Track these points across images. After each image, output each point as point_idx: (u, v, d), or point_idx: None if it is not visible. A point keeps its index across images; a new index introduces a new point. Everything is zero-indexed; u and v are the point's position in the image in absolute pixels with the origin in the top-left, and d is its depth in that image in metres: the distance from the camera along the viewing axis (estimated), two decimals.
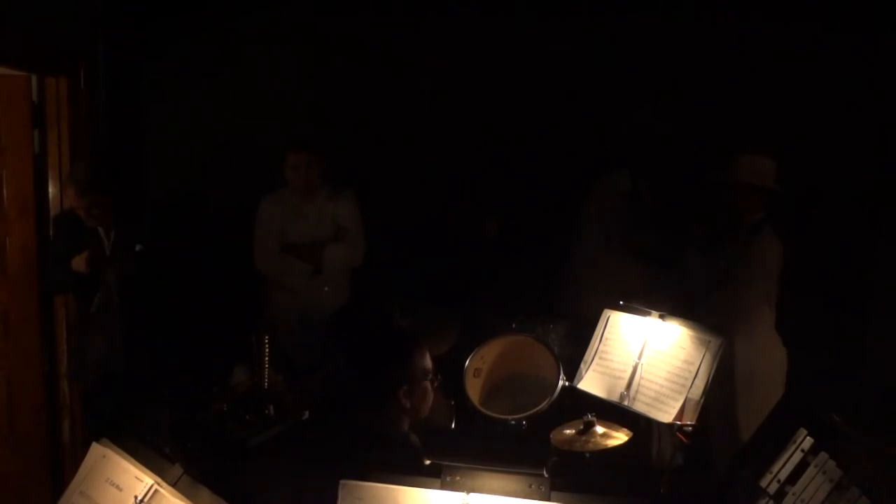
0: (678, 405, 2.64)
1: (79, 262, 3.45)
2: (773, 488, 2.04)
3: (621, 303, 2.93)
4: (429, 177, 4.15)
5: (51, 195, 3.82)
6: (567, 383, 2.92)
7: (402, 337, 2.52)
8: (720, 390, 3.15)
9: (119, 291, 3.51)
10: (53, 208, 3.82)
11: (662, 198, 3.81)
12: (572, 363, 2.96)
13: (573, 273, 3.89)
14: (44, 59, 3.71)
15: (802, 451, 2.03)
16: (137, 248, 3.51)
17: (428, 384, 2.33)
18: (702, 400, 2.61)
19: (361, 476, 1.79)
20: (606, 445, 2.60)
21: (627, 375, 2.79)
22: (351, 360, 2.78)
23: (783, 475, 2.03)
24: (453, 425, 3.00)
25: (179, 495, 1.86)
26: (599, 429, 2.65)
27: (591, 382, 2.88)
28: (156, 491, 1.86)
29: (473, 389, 3.05)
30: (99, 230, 3.54)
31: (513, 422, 2.91)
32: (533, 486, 1.76)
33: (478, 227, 4.23)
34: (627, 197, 3.78)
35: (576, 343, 3.15)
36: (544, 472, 1.75)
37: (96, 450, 1.96)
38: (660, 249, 3.73)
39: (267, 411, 2.73)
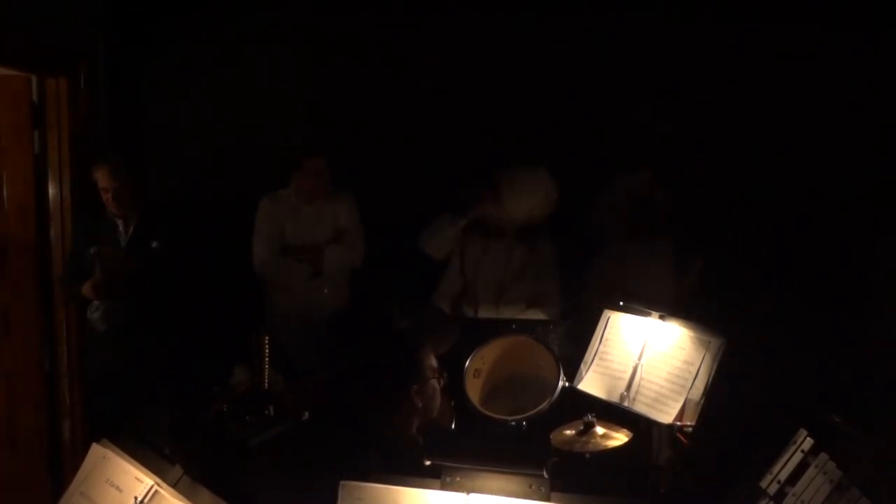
0: (678, 406, 2.63)
1: (87, 289, 3.44)
2: (773, 489, 2.04)
3: (621, 303, 2.93)
4: (429, 177, 4.14)
5: (51, 195, 3.82)
6: (567, 384, 2.92)
7: (404, 337, 2.54)
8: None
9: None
10: (53, 208, 3.82)
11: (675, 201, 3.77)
12: (572, 363, 2.96)
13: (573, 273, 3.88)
14: (44, 59, 3.71)
15: (802, 451, 2.03)
16: (154, 244, 3.51)
17: (435, 382, 2.35)
18: (702, 401, 2.61)
19: (361, 477, 1.79)
20: (606, 446, 2.59)
21: (627, 376, 2.79)
22: (356, 364, 2.78)
23: (783, 476, 2.03)
24: (453, 426, 2.99)
25: (179, 496, 1.86)
26: (599, 429, 2.65)
27: (591, 383, 2.87)
28: (156, 492, 1.87)
29: (473, 390, 3.04)
30: (118, 224, 3.53)
31: (513, 422, 2.90)
32: (533, 487, 1.77)
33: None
34: (639, 198, 3.75)
35: (576, 343, 3.15)
36: (544, 473, 1.75)
37: (96, 450, 1.97)
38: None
39: (267, 411, 2.73)
